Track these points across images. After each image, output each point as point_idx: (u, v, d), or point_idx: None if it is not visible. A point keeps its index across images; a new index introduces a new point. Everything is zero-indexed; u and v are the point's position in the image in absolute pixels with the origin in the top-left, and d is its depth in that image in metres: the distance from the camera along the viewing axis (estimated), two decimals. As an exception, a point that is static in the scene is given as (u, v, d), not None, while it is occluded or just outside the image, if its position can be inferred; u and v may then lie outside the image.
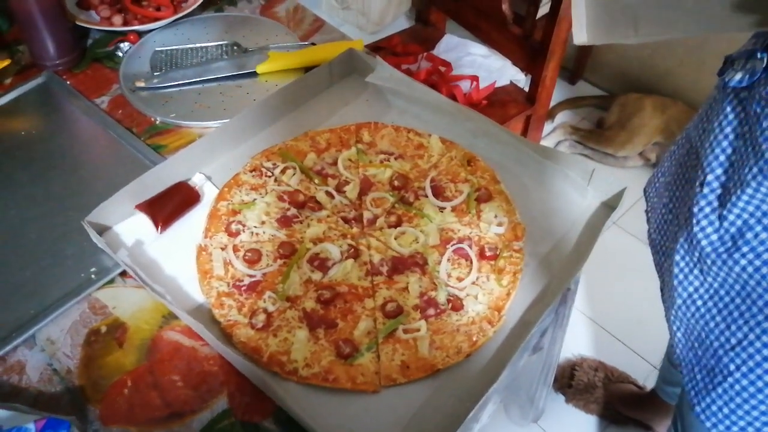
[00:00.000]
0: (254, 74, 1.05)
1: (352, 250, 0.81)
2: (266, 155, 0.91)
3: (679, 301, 0.86)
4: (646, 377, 1.66)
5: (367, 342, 0.72)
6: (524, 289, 0.78)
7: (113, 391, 0.69)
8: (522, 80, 1.87)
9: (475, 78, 1.72)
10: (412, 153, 0.93)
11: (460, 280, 0.78)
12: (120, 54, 1.09)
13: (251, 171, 0.89)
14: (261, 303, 0.75)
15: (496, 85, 1.74)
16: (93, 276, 0.79)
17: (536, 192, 0.87)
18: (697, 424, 0.93)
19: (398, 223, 0.85)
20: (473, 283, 0.78)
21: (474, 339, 0.72)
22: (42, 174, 0.91)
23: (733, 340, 0.80)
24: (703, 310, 0.83)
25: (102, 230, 0.81)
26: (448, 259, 0.80)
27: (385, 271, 0.79)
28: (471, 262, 0.79)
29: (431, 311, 0.75)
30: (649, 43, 2.23)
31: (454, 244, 0.81)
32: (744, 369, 0.80)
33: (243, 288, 0.76)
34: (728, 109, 0.74)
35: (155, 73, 1.04)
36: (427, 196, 0.87)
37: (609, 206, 0.85)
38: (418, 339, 0.72)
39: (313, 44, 1.11)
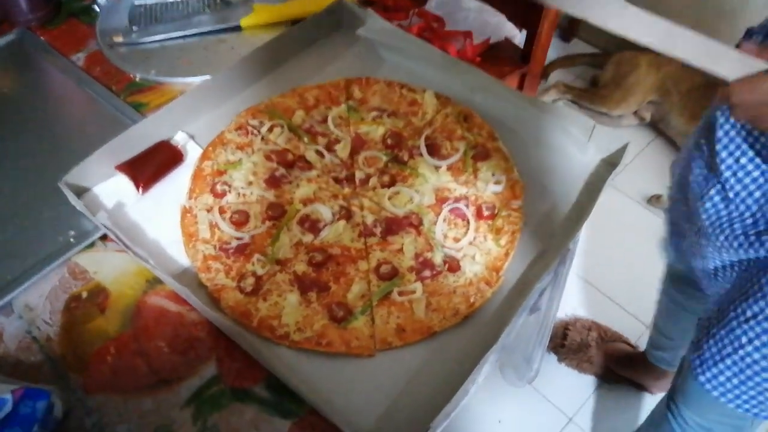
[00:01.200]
0: (238, 28, 1.00)
1: (344, 211, 0.78)
2: (252, 113, 0.87)
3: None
4: (639, 337, 1.66)
5: (361, 305, 0.70)
6: (523, 249, 0.75)
7: (96, 359, 0.66)
8: (517, 36, 1.82)
9: (468, 34, 1.66)
10: (405, 109, 0.89)
11: (456, 240, 0.75)
12: (97, 8, 1.04)
13: (236, 129, 0.85)
14: (249, 266, 0.72)
15: (491, 42, 1.69)
16: (72, 239, 0.75)
17: (535, 149, 0.84)
18: (699, 390, 0.92)
19: (392, 183, 0.81)
20: (470, 243, 0.75)
21: (471, 300, 0.70)
22: (16, 134, 0.87)
23: (749, 313, 0.79)
24: (721, 280, 0.82)
25: (80, 192, 0.77)
26: (444, 220, 0.77)
27: (378, 233, 0.76)
28: (468, 222, 0.76)
29: (427, 273, 0.72)
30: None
31: (450, 204, 0.78)
32: (757, 343, 0.79)
33: (230, 251, 0.73)
34: None
35: (134, 28, 0.99)
36: (421, 155, 0.83)
37: (610, 163, 0.81)
38: (413, 301, 0.70)
39: (300, -4, 1.06)
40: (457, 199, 0.79)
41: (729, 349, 0.83)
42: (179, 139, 0.83)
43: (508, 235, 0.75)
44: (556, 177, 0.81)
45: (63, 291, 0.71)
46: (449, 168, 0.82)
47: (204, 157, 0.81)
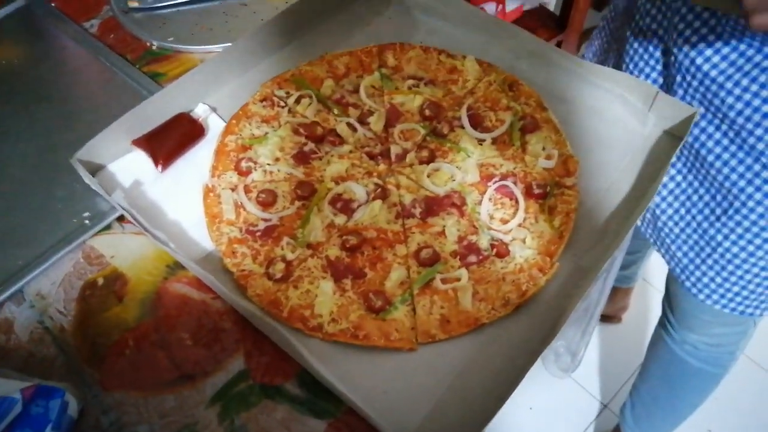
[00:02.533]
0: (261, -9, 0.93)
1: (380, 189, 0.71)
2: (278, 82, 0.80)
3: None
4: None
5: (400, 294, 0.63)
6: (579, 232, 0.68)
7: (114, 352, 0.61)
8: (552, 3, 1.73)
9: (501, 0, 1.58)
10: (444, 78, 0.81)
11: (504, 222, 0.68)
12: (110, -29, 0.97)
13: (261, 101, 0.78)
14: (278, 250, 0.66)
15: (525, 8, 1.60)
16: (87, 221, 0.69)
17: (589, 120, 0.76)
18: (689, 299, 0.97)
19: (431, 159, 0.74)
20: (520, 225, 0.68)
21: (523, 288, 0.63)
22: (26, 107, 0.81)
23: (719, 211, 0.80)
24: (684, 183, 0.84)
25: (95, 169, 0.71)
26: (490, 199, 0.70)
27: (417, 214, 0.69)
28: (516, 202, 0.69)
29: (472, 258, 0.66)
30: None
31: (496, 182, 0.71)
32: (733, 237, 0.80)
33: (257, 234, 0.67)
34: None
35: (150, -8, 0.92)
36: (463, 127, 0.76)
37: (675, 136, 0.73)
38: (458, 290, 0.63)
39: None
40: (503, 176, 0.71)
41: (707, 249, 0.84)
42: (200, 111, 0.77)
43: (563, 216, 0.68)
44: (614, 151, 0.74)
45: (77, 277, 0.66)
46: (494, 141, 0.75)
47: (227, 131, 0.75)
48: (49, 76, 0.85)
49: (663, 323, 1.10)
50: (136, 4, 0.90)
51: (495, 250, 0.66)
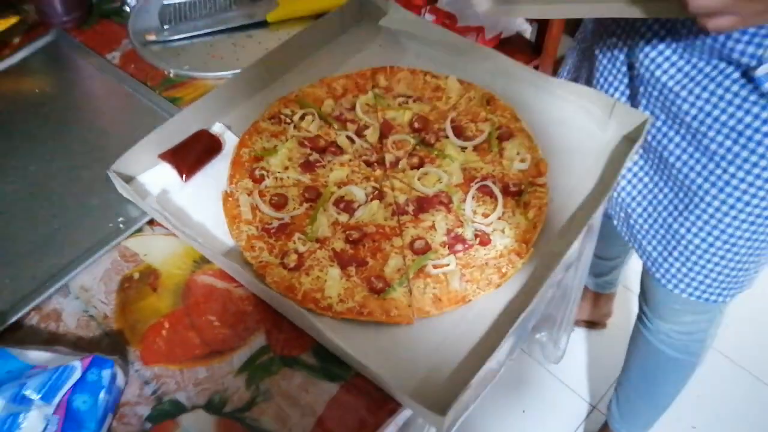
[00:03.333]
0: (265, 23, 1.04)
1: (377, 192, 0.82)
2: (283, 103, 0.91)
3: (624, 183, 0.97)
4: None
5: (398, 278, 0.73)
6: (550, 223, 0.79)
7: (151, 334, 0.70)
8: (528, 31, 1.86)
9: (480, 29, 1.70)
10: (430, 95, 0.92)
11: (486, 216, 0.79)
12: (127, 9, 1.08)
13: (270, 118, 0.89)
14: (291, 244, 0.76)
15: (502, 36, 1.73)
16: (121, 225, 0.79)
17: (557, 128, 0.88)
18: (659, 291, 1.06)
19: (421, 164, 0.85)
20: (499, 218, 0.78)
21: (503, 271, 0.73)
22: (60, 130, 0.91)
23: (681, 206, 0.91)
24: (650, 184, 0.94)
25: (127, 180, 0.81)
26: (473, 197, 0.81)
27: (411, 211, 0.80)
28: (496, 199, 0.80)
29: (459, 247, 0.76)
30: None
31: (477, 182, 0.82)
32: (694, 229, 0.90)
33: (272, 231, 0.77)
34: None
35: (165, 26, 1.03)
36: (448, 137, 0.87)
37: (631, 139, 0.85)
38: (448, 273, 0.73)
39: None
40: (484, 177, 0.82)
41: (672, 242, 0.94)
42: (216, 129, 0.87)
43: (536, 210, 0.78)
44: (579, 154, 0.85)
45: (116, 273, 0.76)
46: (475, 148, 0.86)
47: (241, 144, 0.85)
48: (78, 102, 0.95)
49: (639, 317, 1.20)
50: (153, 38, 1.01)
51: (478, 239, 0.77)
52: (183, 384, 0.67)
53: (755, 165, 0.81)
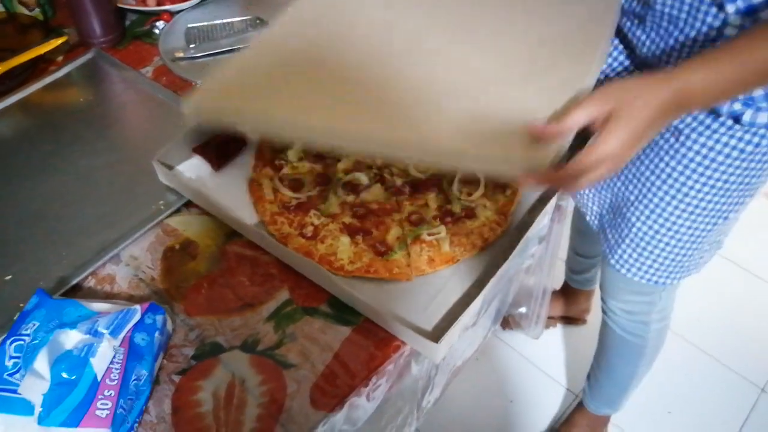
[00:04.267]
0: (278, 42, 1.20)
1: (378, 177, 0.97)
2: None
3: None
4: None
5: (398, 244, 0.88)
6: (524, 199, 0.94)
7: (193, 292, 0.84)
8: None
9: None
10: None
11: (470, 194, 0.94)
12: (156, 31, 1.24)
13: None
14: (308, 219, 0.90)
15: None
16: (162, 207, 0.93)
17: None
18: (613, 274, 1.15)
19: (415, 155, 1.00)
20: (482, 195, 0.93)
21: (486, 236, 0.88)
22: (103, 131, 1.05)
23: (632, 197, 1.02)
24: (610, 180, 1.06)
25: (169, 169, 0.95)
26: (459, 180, 0.95)
27: (407, 191, 0.95)
28: (479, 180, 0.95)
29: (449, 219, 0.91)
30: None
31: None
32: (642, 218, 1.01)
33: (291, 208, 0.91)
34: None
35: (191, 46, 1.19)
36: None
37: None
38: (440, 239, 0.88)
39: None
40: (469, 164, 0.97)
41: (625, 230, 1.05)
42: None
43: (512, 188, 0.93)
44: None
45: (160, 245, 0.89)
46: (461, 142, 1.01)
47: (262, 140, 1.00)
48: (118, 108, 1.10)
49: (601, 300, 1.31)
50: (181, 55, 1.17)
51: (464, 213, 0.91)
52: (221, 330, 0.80)
53: (691, 160, 0.92)
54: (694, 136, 0.90)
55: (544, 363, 1.87)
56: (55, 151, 1.02)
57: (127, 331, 0.73)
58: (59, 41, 1.15)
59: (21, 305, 0.77)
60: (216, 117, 0.80)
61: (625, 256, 1.08)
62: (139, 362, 0.73)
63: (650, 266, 1.07)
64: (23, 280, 0.84)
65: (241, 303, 0.83)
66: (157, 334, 0.75)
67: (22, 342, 0.71)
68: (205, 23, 1.24)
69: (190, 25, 1.24)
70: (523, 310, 1.20)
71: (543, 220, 0.91)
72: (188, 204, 0.94)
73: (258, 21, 1.25)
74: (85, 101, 1.11)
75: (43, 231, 0.90)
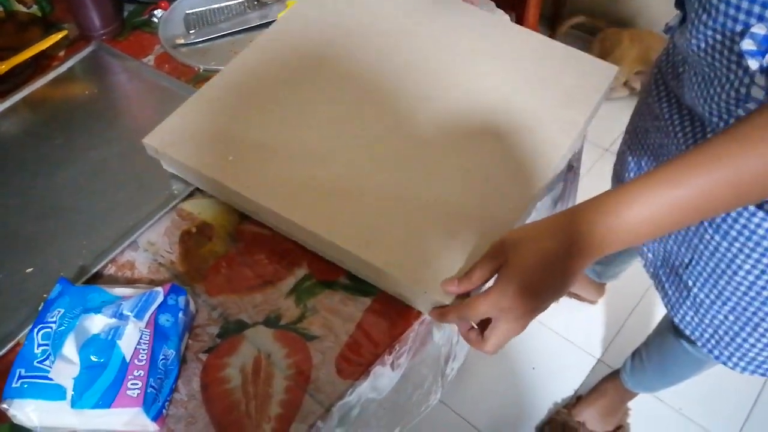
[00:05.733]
0: (277, 22, 1.20)
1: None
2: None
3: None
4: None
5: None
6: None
7: (212, 272, 0.85)
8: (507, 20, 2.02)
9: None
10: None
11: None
12: (155, 20, 1.23)
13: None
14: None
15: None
16: (175, 192, 0.94)
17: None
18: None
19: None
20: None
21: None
22: (112, 122, 1.06)
23: (686, 260, 0.94)
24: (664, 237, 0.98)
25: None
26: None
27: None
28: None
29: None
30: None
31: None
32: (699, 284, 0.94)
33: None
34: None
35: (191, 32, 1.19)
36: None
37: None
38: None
39: (324, -7, 1.26)
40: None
41: (684, 292, 0.98)
42: (246, 109, 1.02)
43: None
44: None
45: (176, 229, 0.90)
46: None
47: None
48: (124, 98, 1.10)
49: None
50: (182, 41, 1.17)
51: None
52: (243, 307, 0.81)
53: (735, 239, 0.84)
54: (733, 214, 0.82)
55: (564, 329, 1.88)
56: (65, 145, 1.02)
57: (152, 313, 0.74)
58: (59, 36, 1.15)
59: (45, 295, 0.78)
60: (170, 163, 0.91)
61: (688, 318, 1.00)
62: (165, 342, 0.74)
63: (713, 334, 0.98)
64: (45, 271, 0.85)
65: (261, 280, 0.83)
66: (180, 314, 0.76)
67: (49, 329, 0.72)
68: (203, 8, 1.24)
69: (188, 11, 1.23)
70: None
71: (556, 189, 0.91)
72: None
73: (256, 2, 1.24)
74: (90, 94, 1.11)
75: (60, 223, 0.91)
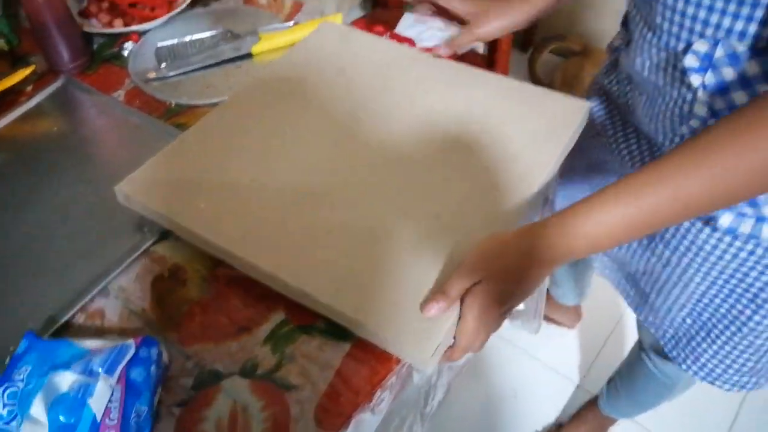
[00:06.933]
0: (250, 56, 1.18)
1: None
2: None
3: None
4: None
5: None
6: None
7: (186, 319, 0.82)
8: (481, 47, 2.04)
9: (437, 49, 1.87)
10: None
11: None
12: (125, 53, 1.22)
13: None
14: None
15: (458, 53, 1.90)
16: (147, 234, 0.91)
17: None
18: (651, 335, 1.10)
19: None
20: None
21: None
22: (80, 160, 1.03)
23: (641, 269, 0.98)
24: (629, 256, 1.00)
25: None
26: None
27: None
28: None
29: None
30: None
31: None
32: (654, 292, 0.98)
33: (279, 225, 0.90)
34: None
35: (163, 65, 1.17)
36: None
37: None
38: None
39: (297, 23, 1.25)
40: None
41: (644, 297, 1.02)
42: (220, 146, 1.01)
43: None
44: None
45: (148, 273, 0.88)
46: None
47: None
48: (93, 135, 1.08)
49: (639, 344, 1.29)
50: (153, 75, 1.15)
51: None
52: (218, 356, 0.79)
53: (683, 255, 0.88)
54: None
55: (544, 356, 1.88)
56: (32, 185, 0.99)
57: (123, 368, 0.72)
58: (27, 71, 1.13)
59: (11, 348, 0.75)
60: (142, 210, 0.89)
61: (650, 318, 1.03)
62: (137, 398, 0.71)
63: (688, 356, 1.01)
64: (11, 321, 0.82)
65: (237, 327, 0.81)
66: (153, 367, 0.74)
67: (15, 389, 0.69)
68: (175, 41, 1.22)
69: (159, 44, 1.22)
70: (522, 307, 1.21)
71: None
72: (173, 229, 0.92)
73: (229, 34, 1.23)
74: (58, 131, 1.09)
75: (26, 269, 0.88)
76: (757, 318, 0.88)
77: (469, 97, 0.99)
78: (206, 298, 0.84)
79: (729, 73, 0.69)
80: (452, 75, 1.05)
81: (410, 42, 1.91)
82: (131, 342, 0.73)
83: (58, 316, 0.83)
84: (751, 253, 0.82)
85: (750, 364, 0.94)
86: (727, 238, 0.82)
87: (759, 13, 0.64)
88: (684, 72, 0.73)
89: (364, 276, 0.77)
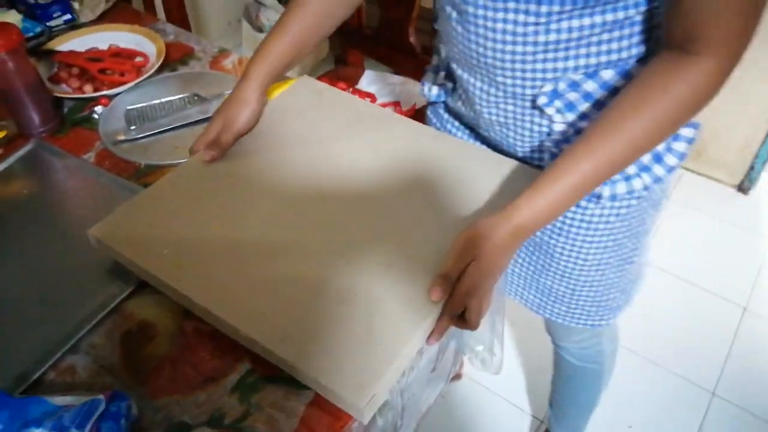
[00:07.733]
0: (217, 117, 1.24)
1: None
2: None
3: None
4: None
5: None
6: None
7: (155, 374, 0.85)
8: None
9: (397, 104, 1.96)
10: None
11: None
12: (96, 116, 1.26)
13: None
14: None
15: (416, 107, 1.99)
16: (117, 291, 0.95)
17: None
18: (557, 325, 1.26)
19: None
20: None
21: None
22: (52, 221, 1.07)
23: (539, 265, 1.12)
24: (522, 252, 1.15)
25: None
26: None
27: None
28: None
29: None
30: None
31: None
32: (557, 280, 1.12)
33: (245, 279, 0.95)
34: None
35: (132, 127, 1.22)
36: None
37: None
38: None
39: (262, 87, 1.31)
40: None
41: (546, 292, 1.14)
42: (188, 205, 1.05)
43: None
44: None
45: (117, 329, 0.91)
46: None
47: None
48: (64, 196, 1.12)
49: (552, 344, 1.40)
50: (122, 138, 1.20)
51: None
52: (187, 408, 0.82)
53: (576, 234, 1.02)
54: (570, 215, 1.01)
55: (508, 393, 1.93)
56: (2, 247, 1.02)
57: (94, 423, 0.74)
58: (-1, 135, 1.17)
59: (-19, 408, 0.77)
60: (112, 254, 0.94)
61: (556, 310, 1.16)
62: (108, 452, 0.74)
63: (581, 314, 1.14)
64: (-19, 381, 0.84)
65: (204, 378, 0.85)
66: (123, 421, 0.77)
67: (-14, 447, 0.71)
68: (144, 104, 1.27)
69: (129, 107, 1.27)
70: (480, 348, 1.25)
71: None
72: (143, 284, 0.96)
73: (196, 98, 1.29)
74: (29, 193, 1.12)
75: (-2, 328, 0.91)
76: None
77: (428, 152, 1.06)
78: (175, 352, 0.88)
79: (573, 96, 0.87)
80: (413, 132, 1.11)
81: (372, 97, 2.02)
82: (101, 397, 0.76)
83: (29, 373, 0.85)
84: (629, 206, 0.97)
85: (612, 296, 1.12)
86: (608, 203, 0.97)
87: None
88: (536, 107, 0.91)
89: (309, 326, 0.82)
